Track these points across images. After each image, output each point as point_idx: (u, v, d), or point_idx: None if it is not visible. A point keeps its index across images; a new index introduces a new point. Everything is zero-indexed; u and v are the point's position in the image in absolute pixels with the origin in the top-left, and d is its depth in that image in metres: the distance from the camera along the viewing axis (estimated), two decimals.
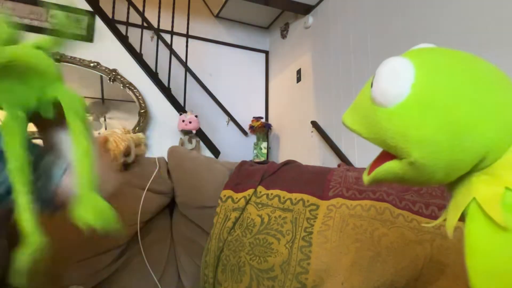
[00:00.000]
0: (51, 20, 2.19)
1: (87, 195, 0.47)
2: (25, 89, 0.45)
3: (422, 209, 0.81)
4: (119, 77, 2.26)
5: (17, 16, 2.13)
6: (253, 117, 2.89)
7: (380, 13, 2.01)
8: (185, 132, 2.28)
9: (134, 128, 2.23)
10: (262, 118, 2.94)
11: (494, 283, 0.31)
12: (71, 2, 2.25)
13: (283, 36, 3.08)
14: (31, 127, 0.51)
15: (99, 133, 2.28)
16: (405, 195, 0.86)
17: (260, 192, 1.03)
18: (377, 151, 0.42)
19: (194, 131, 2.29)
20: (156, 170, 1.13)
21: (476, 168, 0.34)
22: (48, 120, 0.48)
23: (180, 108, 2.39)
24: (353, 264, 0.78)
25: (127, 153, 1.73)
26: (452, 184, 0.37)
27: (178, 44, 2.71)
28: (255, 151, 2.85)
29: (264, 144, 2.86)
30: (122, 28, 2.37)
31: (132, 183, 1.06)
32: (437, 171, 0.33)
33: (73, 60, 2.17)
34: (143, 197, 1.04)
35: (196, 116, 2.28)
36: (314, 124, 2.45)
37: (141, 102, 2.28)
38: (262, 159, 2.78)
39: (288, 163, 1.16)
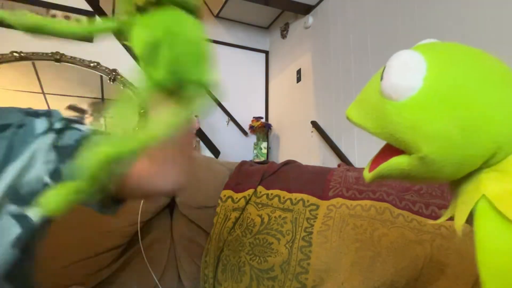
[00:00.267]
0: None
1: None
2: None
3: (422, 209, 0.81)
4: (119, 77, 2.26)
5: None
6: (253, 117, 2.89)
7: (380, 13, 2.01)
8: None
9: (134, 128, 2.23)
10: (262, 118, 2.94)
11: (506, 279, 0.31)
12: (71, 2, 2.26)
13: (283, 36, 3.08)
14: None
15: None
16: (405, 195, 0.86)
17: (260, 192, 1.03)
18: (377, 150, 0.42)
19: (194, 131, 2.30)
20: None
21: (485, 164, 0.34)
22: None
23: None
24: (353, 264, 0.78)
25: None
26: (458, 182, 0.36)
27: None
28: (255, 151, 2.85)
29: (264, 144, 2.86)
30: None
31: None
32: (446, 166, 0.32)
33: (73, 60, 2.17)
34: None
35: (196, 116, 2.28)
36: (314, 124, 2.45)
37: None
38: (262, 159, 2.78)
39: (288, 163, 1.16)
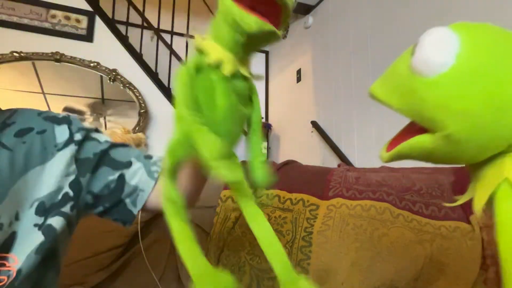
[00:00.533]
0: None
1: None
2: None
3: (422, 209, 0.81)
4: (119, 77, 2.26)
5: (17, 16, 2.13)
6: None
7: (380, 13, 2.02)
8: None
9: (134, 128, 2.23)
10: (262, 118, 2.94)
11: None
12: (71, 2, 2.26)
13: (283, 36, 3.08)
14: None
15: None
16: (405, 195, 0.86)
17: (260, 192, 1.03)
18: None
19: None
20: None
21: (510, 148, 0.33)
22: None
23: None
24: (353, 264, 0.78)
25: None
26: (479, 165, 0.36)
27: (178, 44, 2.71)
28: None
29: (264, 144, 2.86)
30: (122, 28, 2.37)
31: None
32: (471, 147, 0.32)
33: (73, 60, 2.17)
34: None
35: None
36: (314, 124, 2.45)
37: (141, 102, 2.28)
38: None
39: (288, 163, 1.16)
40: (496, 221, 0.33)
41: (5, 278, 0.41)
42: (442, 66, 0.31)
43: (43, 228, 0.45)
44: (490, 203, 0.34)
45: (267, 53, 3.37)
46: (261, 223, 0.47)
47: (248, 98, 0.49)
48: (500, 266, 0.33)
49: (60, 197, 0.47)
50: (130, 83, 2.28)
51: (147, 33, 2.72)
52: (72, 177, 0.48)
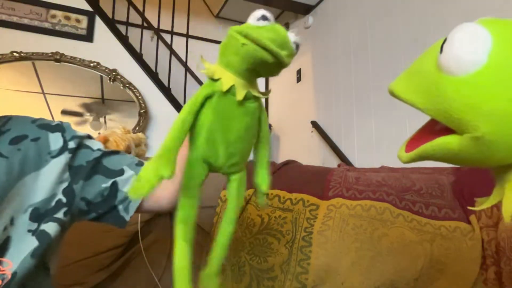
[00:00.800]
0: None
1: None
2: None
3: (422, 209, 0.81)
4: (119, 77, 2.26)
5: (17, 16, 2.13)
6: None
7: (380, 13, 2.02)
8: None
9: (134, 128, 2.23)
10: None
11: None
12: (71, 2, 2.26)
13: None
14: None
15: (99, 133, 2.28)
16: (405, 195, 0.86)
17: None
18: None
19: None
20: None
21: None
22: None
23: (180, 108, 2.39)
24: (353, 264, 0.78)
25: (127, 153, 1.72)
26: (508, 167, 0.34)
27: (178, 44, 2.72)
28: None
29: None
30: (122, 28, 2.37)
31: None
32: (502, 149, 0.30)
33: (73, 60, 2.17)
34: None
35: None
36: (314, 124, 2.45)
37: (141, 102, 2.28)
38: None
39: (288, 163, 1.16)
40: None
41: (0, 281, 0.42)
42: (473, 65, 0.29)
43: (37, 233, 0.46)
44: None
45: None
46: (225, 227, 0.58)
47: (259, 115, 0.54)
48: None
49: (53, 203, 0.48)
50: (130, 83, 2.28)
51: (147, 33, 2.72)
52: (65, 184, 0.50)
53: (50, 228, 0.47)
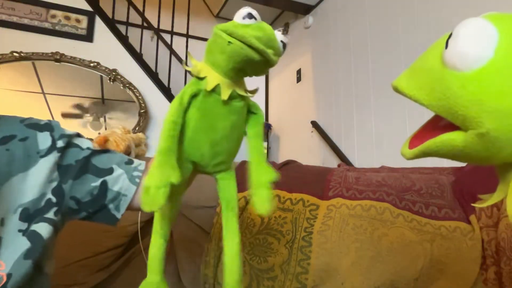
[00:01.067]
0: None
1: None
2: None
3: (422, 209, 0.81)
4: (119, 77, 2.26)
5: (17, 16, 2.13)
6: None
7: (380, 13, 2.02)
8: None
9: (134, 128, 2.23)
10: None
11: None
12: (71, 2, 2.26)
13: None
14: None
15: (99, 133, 2.28)
16: (405, 195, 0.86)
17: None
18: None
19: None
20: None
21: None
22: None
23: None
24: (353, 264, 0.78)
25: (127, 153, 1.72)
26: (510, 165, 0.34)
27: (178, 44, 2.71)
28: None
29: (264, 144, 2.86)
30: (122, 28, 2.37)
31: None
32: (506, 146, 0.30)
33: (73, 60, 2.17)
34: None
35: None
36: (314, 124, 2.45)
37: (141, 102, 2.28)
38: None
39: (288, 163, 1.16)
40: None
41: None
42: (479, 60, 0.29)
43: (27, 233, 0.46)
44: None
45: None
46: (232, 240, 0.57)
47: (247, 113, 0.54)
48: None
49: (43, 203, 0.48)
50: (130, 83, 2.28)
51: (147, 33, 2.72)
52: (54, 184, 0.49)
53: (42, 229, 0.47)
